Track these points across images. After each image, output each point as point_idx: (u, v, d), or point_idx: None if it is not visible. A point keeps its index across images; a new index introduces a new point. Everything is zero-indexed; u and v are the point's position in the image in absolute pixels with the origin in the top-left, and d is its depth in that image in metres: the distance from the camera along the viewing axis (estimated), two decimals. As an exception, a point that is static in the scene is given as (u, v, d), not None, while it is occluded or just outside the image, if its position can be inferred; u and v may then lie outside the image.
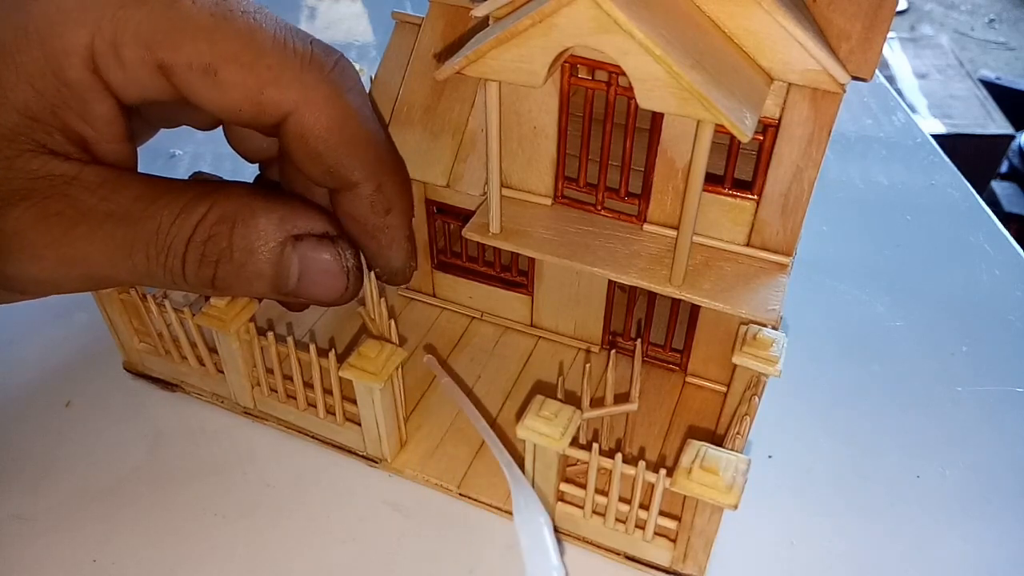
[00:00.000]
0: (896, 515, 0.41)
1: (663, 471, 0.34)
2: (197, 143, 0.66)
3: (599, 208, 0.40)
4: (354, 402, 0.39)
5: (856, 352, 0.49)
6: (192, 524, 0.40)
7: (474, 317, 0.49)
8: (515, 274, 0.47)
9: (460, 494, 0.41)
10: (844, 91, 0.33)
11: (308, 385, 0.41)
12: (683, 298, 0.38)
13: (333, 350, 0.39)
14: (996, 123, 1.52)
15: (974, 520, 0.41)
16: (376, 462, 0.42)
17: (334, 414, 0.41)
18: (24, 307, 0.51)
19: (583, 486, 0.36)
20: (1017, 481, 0.43)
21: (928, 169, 0.65)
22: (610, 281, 0.44)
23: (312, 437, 0.43)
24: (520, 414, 0.36)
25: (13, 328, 0.50)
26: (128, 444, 0.43)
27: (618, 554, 0.38)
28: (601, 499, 0.37)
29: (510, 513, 0.39)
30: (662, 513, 0.36)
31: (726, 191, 0.38)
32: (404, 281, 0.41)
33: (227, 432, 0.44)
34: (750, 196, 0.37)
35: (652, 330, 0.45)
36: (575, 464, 0.38)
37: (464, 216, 0.44)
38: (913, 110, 1.52)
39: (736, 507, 0.32)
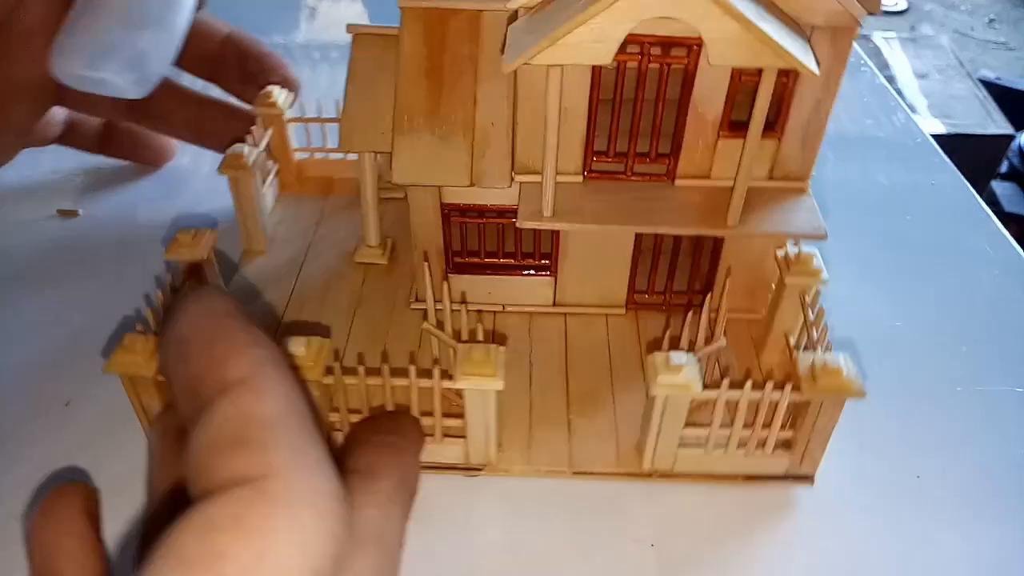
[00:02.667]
0: (896, 515, 0.41)
1: (788, 385, 0.37)
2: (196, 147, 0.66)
3: (629, 173, 0.42)
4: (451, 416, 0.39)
5: (856, 352, 0.49)
6: (192, 524, 0.40)
7: (496, 311, 0.50)
8: (538, 258, 0.48)
9: (574, 473, 0.41)
10: (860, 26, 0.36)
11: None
12: (739, 235, 0.41)
13: (437, 367, 0.38)
14: (996, 123, 1.52)
15: (974, 520, 0.41)
16: (479, 470, 0.41)
17: (431, 435, 0.40)
18: (24, 307, 0.51)
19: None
20: (1017, 481, 0.43)
21: (928, 169, 0.65)
22: (637, 243, 0.46)
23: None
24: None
25: (13, 328, 0.50)
26: (128, 444, 0.43)
27: (737, 478, 0.41)
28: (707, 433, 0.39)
29: (622, 475, 0.41)
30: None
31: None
32: None
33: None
34: (774, 134, 0.40)
35: (675, 280, 0.48)
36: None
37: (480, 212, 0.45)
38: (913, 110, 1.52)
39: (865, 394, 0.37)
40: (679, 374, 0.36)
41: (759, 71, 0.36)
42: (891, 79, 1.62)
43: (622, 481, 0.41)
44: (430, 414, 0.39)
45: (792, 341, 0.42)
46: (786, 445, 0.40)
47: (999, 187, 1.51)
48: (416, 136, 0.43)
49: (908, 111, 0.72)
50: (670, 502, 0.41)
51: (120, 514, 0.40)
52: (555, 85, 0.36)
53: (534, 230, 0.45)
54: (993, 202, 1.48)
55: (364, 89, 0.45)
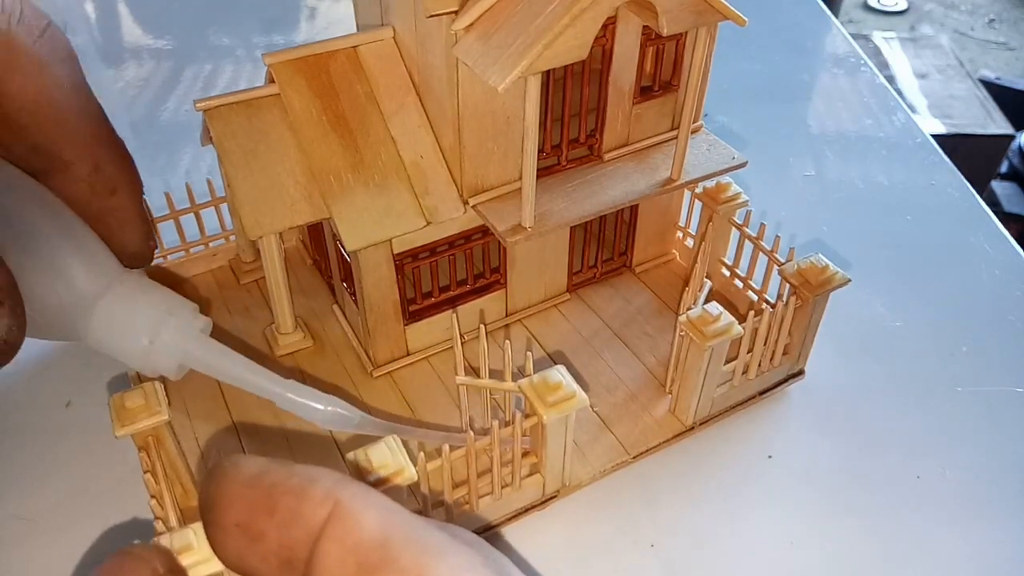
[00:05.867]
0: (896, 515, 0.41)
1: (780, 302, 0.42)
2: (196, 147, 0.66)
3: (564, 163, 0.43)
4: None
5: (856, 352, 0.49)
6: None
7: (463, 342, 0.47)
8: (490, 274, 0.47)
9: (635, 457, 0.42)
10: None
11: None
12: (682, 187, 0.44)
13: (518, 413, 0.36)
14: (996, 123, 1.52)
15: (974, 520, 0.41)
16: (554, 497, 0.40)
17: (508, 486, 0.39)
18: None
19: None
20: (1017, 481, 0.43)
21: (928, 169, 0.65)
22: (573, 230, 0.47)
23: (484, 532, 0.39)
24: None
25: (13, 328, 0.50)
26: (128, 444, 0.43)
27: (755, 397, 0.45)
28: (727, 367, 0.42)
29: (672, 439, 0.43)
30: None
31: (658, 93, 0.44)
32: (145, 263, 0.38)
33: (227, 432, 0.44)
34: (673, 86, 0.44)
35: (603, 249, 0.51)
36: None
37: (432, 250, 0.43)
38: (913, 110, 1.52)
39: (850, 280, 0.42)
40: (720, 321, 0.39)
41: (662, 40, 0.41)
42: (891, 79, 1.62)
43: (670, 447, 0.43)
44: (486, 472, 0.37)
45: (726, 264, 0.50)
46: (785, 351, 0.45)
47: (999, 187, 1.51)
48: (351, 194, 0.40)
49: (908, 111, 0.72)
50: (668, 500, 0.41)
51: (121, 515, 0.40)
52: (534, 92, 0.35)
53: (481, 248, 0.45)
54: (993, 202, 1.48)
55: (246, 165, 0.40)
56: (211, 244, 0.52)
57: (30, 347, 0.48)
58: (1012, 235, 0.59)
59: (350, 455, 0.32)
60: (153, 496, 0.35)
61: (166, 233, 0.50)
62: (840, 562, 0.39)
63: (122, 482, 0.41)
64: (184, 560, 0.28)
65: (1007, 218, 1.45)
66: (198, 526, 0.30)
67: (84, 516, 0.40)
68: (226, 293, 0.51)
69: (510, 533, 0.39)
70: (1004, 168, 1.54)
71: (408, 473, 0.32)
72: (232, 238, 0.52)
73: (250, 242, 0.51)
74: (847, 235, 0.58)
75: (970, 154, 1.46)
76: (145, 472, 0.36)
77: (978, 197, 0.63)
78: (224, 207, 0.51)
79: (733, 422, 0.45)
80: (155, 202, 0.50)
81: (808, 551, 0.39)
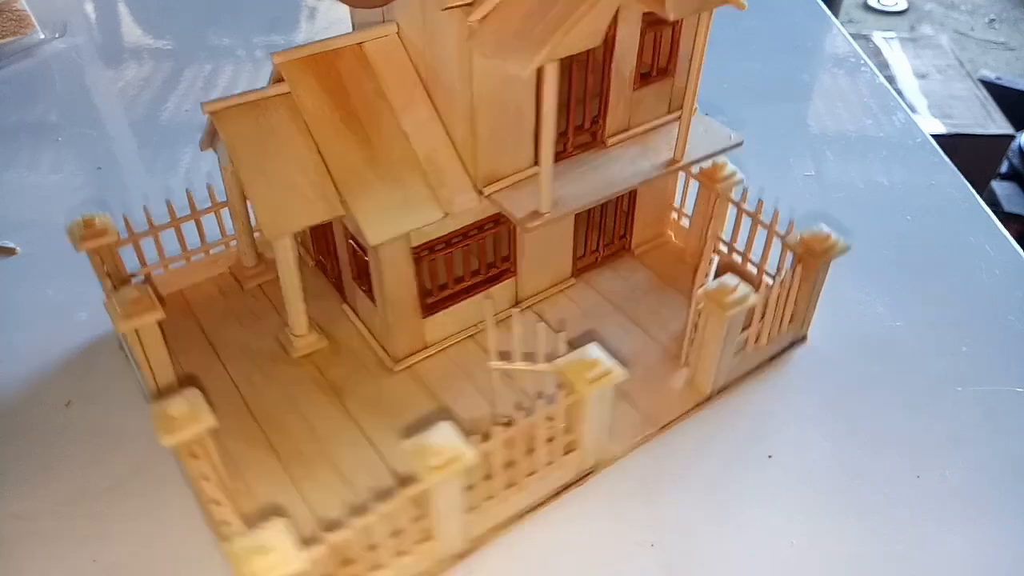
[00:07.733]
0: (896, 515, 0.41)
1: (789, 271, 0.44)
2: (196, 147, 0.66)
3: (570, 149, 0.44)
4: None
5: (856, 352, 0.49)
6: (193, 523, 0.40)
7: (472, 335, 0.48)
8: (501, 263, 0.48)
9: (662, 427, 0.44)
10: None
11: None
12: (686, 167, 0.45)
13: (558, 391, 0.37)
14: (996, 123, 1.52)
15: (974, 520, 0.41)
16: (592, 472, 0.41)
17: (552, 463, 0.39)
18: (24, 307, 0.51)
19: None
20: (1017, 481, 0.43)
21: (928, 169, 0.65)
22: (576, 215, 0.48)
23: (529, 512, 0.40)
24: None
25: (13, 328, 0.50)
26: (128, 444, 0.43)
27: (765, 363, 0.47)
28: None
29: (693, 409, 0.45)
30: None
31: (655, 78, 0.45)
32: None
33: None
34: (668, 75, 0.45)
35: (604, 233, 0.52)
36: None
37: (447, 241, 0.43)
38: (913, 110, 1.52)
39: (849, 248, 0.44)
40: (738, 292, 0.40)
41: (660, 26, 0.42)
42: (891, 79, 1.61)
43: (691, 417, 0.44)
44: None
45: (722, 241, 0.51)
46: (791, 319, 0.46)
47: (999, 187, 1.51)
48: (370, 190, 0.40)
49: (908, 111, 0.72)
50: (668, 500, 0.41)
51: (121, 514, 0.40)
52: (552, 78, 0.36)
53: (492, 237, 0.46)
54: (993, 202, 1.48)
55: (258, 167, 0.40)
56: (211, 251, 0.52)
57: (30, 347, 0.48)
58: (1012, 235, 0.59)
59: (406, 443, 0.33)
60: (213, 501, 0.35)
61: (167, 242, 0.50)
62: (840, 562, 0.39)
63: (122, 482, 0.41)
64: (262, 562, 0.29)
65: (1007, 218, 1.45)
66: (270, 525, 0.30)
67: (84, 516, 0.40)
68: (230, 300, 0.51)
69: (510, 533, 0.39)
70: (1004, 168, 1.54)
71: (468, 457, 0.33)
72: (232, 243, 0.52)
73: (252, 246, 0.51)
74: (847, 235, 0.58)
75: (970, 154, 1.45)
76: (200, 479, 0.35)
77: (978, 197, 0.63)
78: (225, 212, 0.51)
79: (734, 422, 0.45)
80: (155, 208, 0.49)
81: (808, 551, 0.39)
